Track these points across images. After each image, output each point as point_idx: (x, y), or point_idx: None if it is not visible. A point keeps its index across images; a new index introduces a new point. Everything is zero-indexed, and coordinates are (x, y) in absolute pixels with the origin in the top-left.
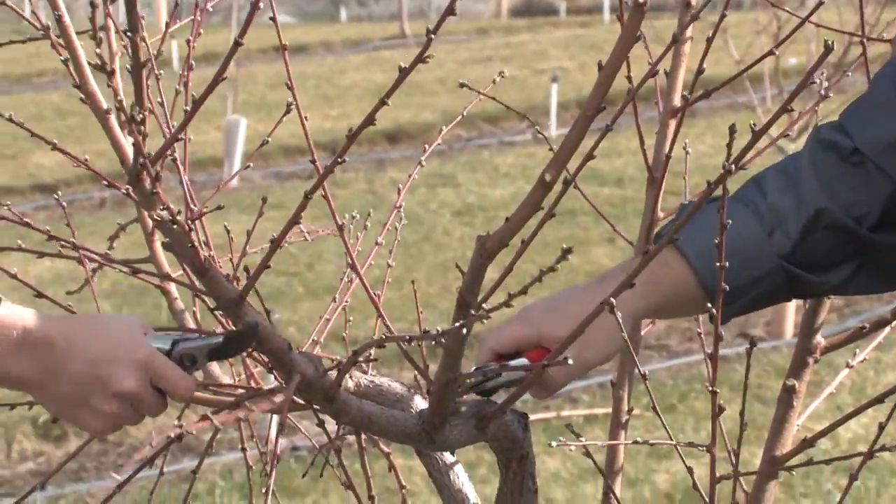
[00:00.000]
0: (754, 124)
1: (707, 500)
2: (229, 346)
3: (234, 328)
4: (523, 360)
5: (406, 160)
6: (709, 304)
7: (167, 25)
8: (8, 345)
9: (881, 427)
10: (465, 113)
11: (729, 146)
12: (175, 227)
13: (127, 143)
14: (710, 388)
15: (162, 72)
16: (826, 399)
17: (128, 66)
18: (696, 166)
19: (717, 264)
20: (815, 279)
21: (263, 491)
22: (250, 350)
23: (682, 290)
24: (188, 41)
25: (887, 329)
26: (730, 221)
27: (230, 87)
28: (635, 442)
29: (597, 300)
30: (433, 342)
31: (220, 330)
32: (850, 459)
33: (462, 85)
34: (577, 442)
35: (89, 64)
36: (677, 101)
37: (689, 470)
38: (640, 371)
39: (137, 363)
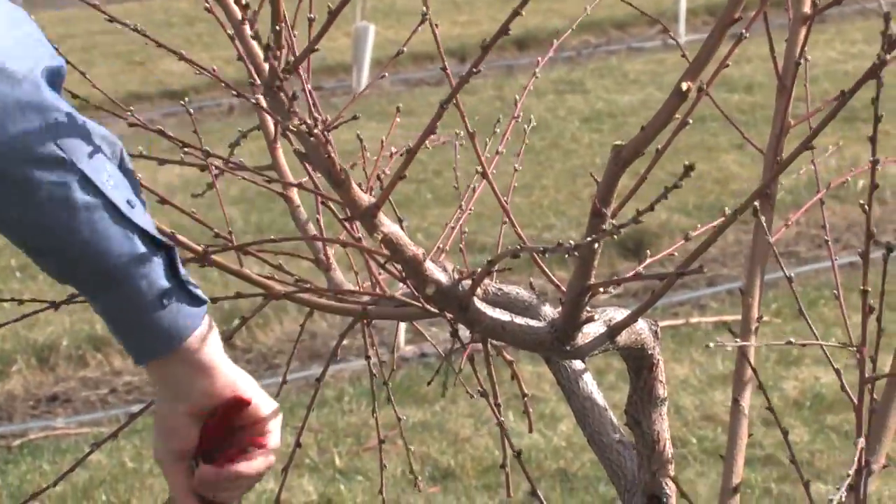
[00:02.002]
0: (891, 32)
1: (855, 402)
2: None
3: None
4: None
5: (534, 66)
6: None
7: None
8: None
9: None
10: (588, 10)
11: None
12: (311, 137)
13: (262, 53)
14: (863, 288)
15: None
16: None
17: None
18: (826, 72)
19: None
20: None
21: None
22: (383, 261)
23: None
24: None
25: None
26: None
27: None
28: (789, 342)
29: None
30: (568, 253)
31: None
32: None
33: None
34: (733, 342)
35: None
36: (807, 8)
37: (838, 372)
38: (786, 275)
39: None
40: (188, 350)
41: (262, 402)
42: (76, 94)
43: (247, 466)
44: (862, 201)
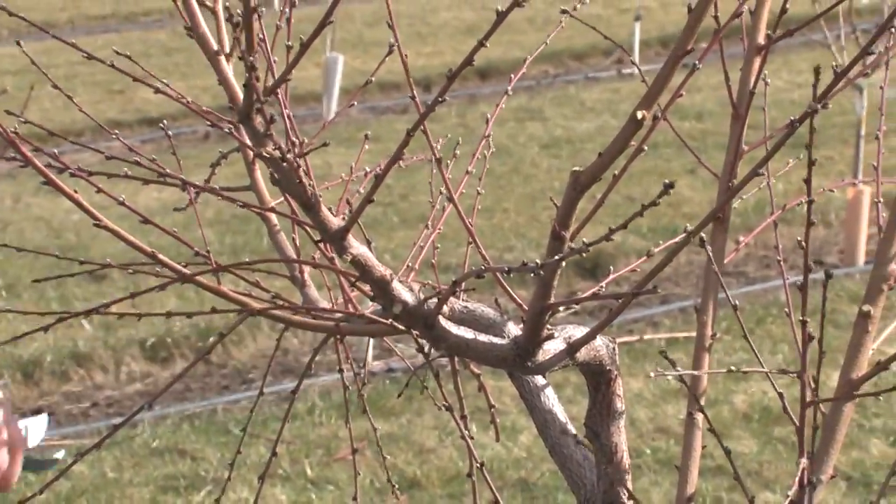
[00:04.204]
0: (837, 65)
1: (797, 423)
2: None
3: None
4: None
5: (496, 95)
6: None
7: None
8: None
9: None
10: (547, 42)
11: (815, 87)
12: (285, 163)
13: (236, 81)
14: (802, 319)
15: (263, 9)
16: None
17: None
18: (774, 101)
19: None
20: None
21: (362, 410)
22: (353, 280)
23: None
24: None
25: None
26: None
27: (329, 25)
28: (730, 370)
29: None
30: (532, 273)
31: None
32: None
33: (563, 11)
34: (673, 371)
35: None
36: (761, 39)
37: (781, 396)
38: (730, 301)
39: None
40: None
41: None
42: (61, 120)
43: None
44: (799, 236)
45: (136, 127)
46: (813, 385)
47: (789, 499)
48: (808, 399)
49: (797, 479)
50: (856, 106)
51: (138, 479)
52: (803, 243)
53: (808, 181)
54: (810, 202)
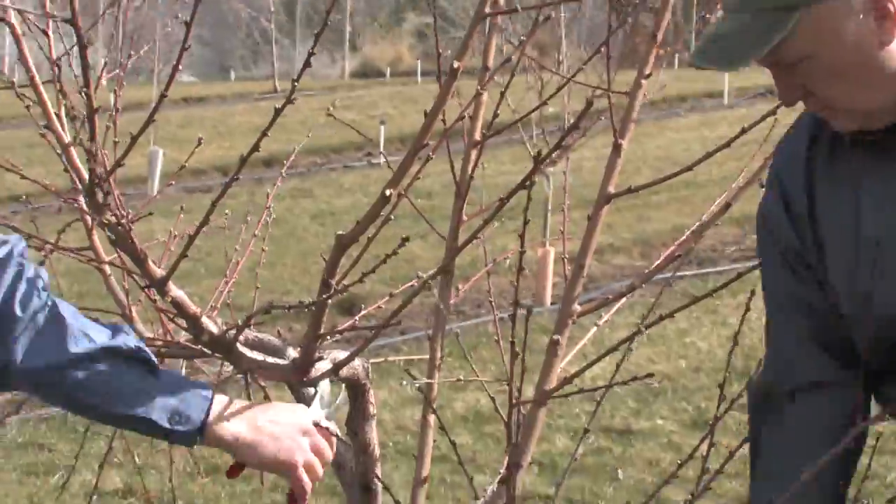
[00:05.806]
0: (539, 153)
1: (506, 419)
2: None
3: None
4: None
5: (277, 179)
6: None
7: (99, 78)
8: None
9: (617, 366)
10: (309, 135)
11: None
12: (120, 228)
13: (83, 167)
14: (511, 340)
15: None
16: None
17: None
18: (485, 184)
19: None
20: None
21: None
22: (171, 316)
23: None
24: (115, 91)
25: (623, 299)
26: None
27: (152, 125)
28: (458, 380)
29: None
30: (306, 309)
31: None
32: (594, 392)
33: (328, 114)
34: (422, 380)
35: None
36: (477, 136)
37: (493, 400)
38: (455, 332)
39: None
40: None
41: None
42: None
43: None
44: (511, 279)
45: (7, 203)
46: (517, 392)
47: (499, 476)
48: (514, 402)
49: (506, 461)
50: (545, 187)
51: (8, 467)
52: (514, 284)
53: (521, 236)
54: (522, 253)
